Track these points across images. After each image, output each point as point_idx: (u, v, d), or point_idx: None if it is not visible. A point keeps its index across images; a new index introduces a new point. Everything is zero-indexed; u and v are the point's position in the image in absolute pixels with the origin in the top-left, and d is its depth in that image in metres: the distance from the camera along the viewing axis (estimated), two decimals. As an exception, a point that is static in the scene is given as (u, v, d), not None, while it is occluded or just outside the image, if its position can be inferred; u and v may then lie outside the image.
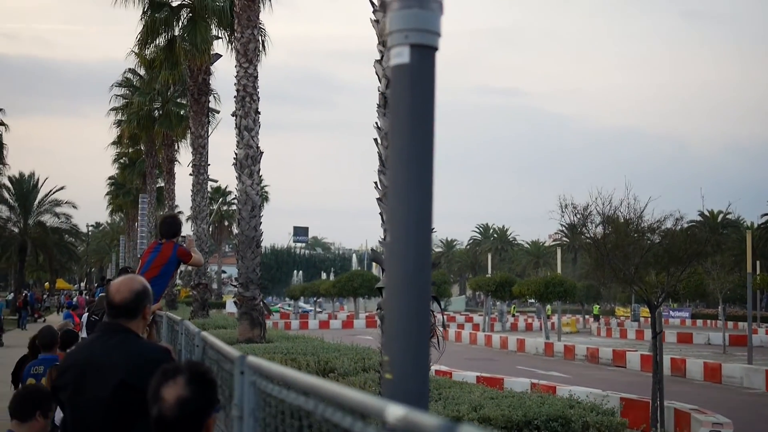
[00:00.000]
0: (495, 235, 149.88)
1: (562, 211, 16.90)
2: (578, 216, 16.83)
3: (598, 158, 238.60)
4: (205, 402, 2.97)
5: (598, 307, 77.92)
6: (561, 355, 38.89)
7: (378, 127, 9.84)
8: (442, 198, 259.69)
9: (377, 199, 9.82)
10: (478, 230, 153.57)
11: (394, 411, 1.87)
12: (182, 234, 11.54)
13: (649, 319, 71.31)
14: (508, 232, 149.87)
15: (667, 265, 17.09)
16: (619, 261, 16.60)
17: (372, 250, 11.13)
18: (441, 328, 10.14)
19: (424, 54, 2.97)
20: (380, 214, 9.80)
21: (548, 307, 54.80)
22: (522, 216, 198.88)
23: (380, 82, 9.84)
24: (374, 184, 9.87)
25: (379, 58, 9.92)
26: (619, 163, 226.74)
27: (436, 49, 3.00)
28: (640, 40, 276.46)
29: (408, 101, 2.99)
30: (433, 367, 24.33)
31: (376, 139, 9.88)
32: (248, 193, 20.18)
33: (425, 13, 2.92)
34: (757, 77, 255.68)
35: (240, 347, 16.88)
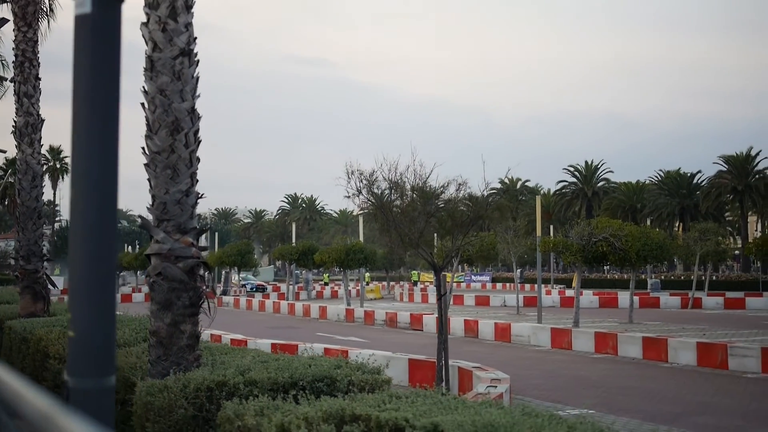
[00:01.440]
0: (304, 205, 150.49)
1: (348, 178, 17.06)
2: (364, 182, 17.03)
3: (406, 128, 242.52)
4: None
5: (416, 273, 79.70)
6: (362, 320, 39.53)
7: (145, 91, 9.64)
8: (252, 168, 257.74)
9: (144, 164, 9.65)
10: (286, 200, 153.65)
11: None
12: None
13: (460, 284, 73.48)
14: (317, 202, 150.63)
15: (450, 229, 17.57)
16: (404, 226, 16.93)
17: (140, 217, 10.94)
18: (216, 296, 10.10)
19: (108, 4, 2.89)
20: (148, 180, 9.65)
21: (367, 274, 55.45)
22: (332, 186, 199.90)
23: (147, 45, 9.65)
24: (142, 150, 9.68)
25: (145, 20, 9.70)
26: (426, 132, 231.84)
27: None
28: (446, 13, 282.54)
29: (89, 53, 2.90)
30: (228, 336, 24.26)
31: (143, 104, 9.68)
32: (28, 162, 19.38)
33: (108, -41, 2.87)
34: (559, 50, 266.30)
35: (20, 322, 16.28)
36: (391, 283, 79.42)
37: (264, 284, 75.55)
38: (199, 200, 9.70)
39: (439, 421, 6.01)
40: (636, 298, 41.87)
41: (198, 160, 9.68)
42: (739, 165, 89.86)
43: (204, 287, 9.64)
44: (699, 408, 16.17)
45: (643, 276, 65.97)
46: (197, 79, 9.66)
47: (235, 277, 70.81)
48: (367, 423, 6.34)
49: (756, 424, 14.73)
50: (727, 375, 20.98)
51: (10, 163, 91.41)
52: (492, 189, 21.18)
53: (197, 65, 9.69)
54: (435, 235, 20.73)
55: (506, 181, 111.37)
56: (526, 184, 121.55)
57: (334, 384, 8.51)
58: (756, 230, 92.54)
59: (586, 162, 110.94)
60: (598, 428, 6.14)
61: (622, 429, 13.63)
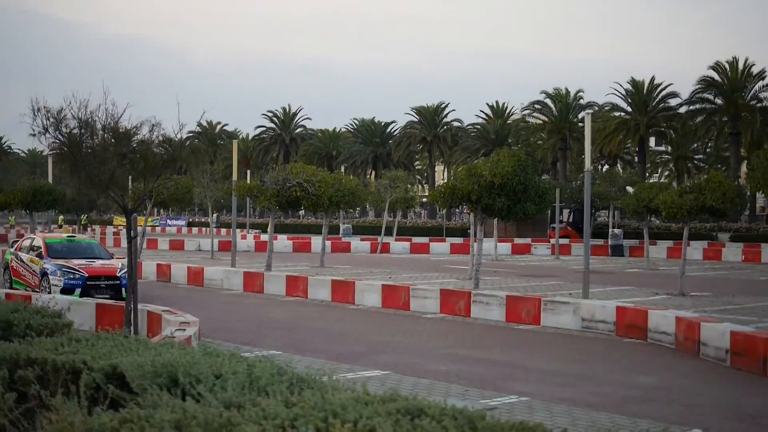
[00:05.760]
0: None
1: (35, 115, 16.21)
2: (51, 120, 16.27)
3: (103, 68, 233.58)
4: None
5: (86, 216, 77.47)
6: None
7: None
8: None
9: None
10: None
11: None
12: None
13: (154, 228, 71.89)
14: (3, 141, 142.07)
15: (143, 171, 17.24)
16: (94, 167, 16.39)
17: None
18: None
19: None
20: None
21: (61, 217, 53.08)
22: (19, 124, 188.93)
23: None
24: None
25: None
26: (125, 73, 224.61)
27: None
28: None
29: None
30: None
31: None
32: None
33: None
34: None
35: None
36: (92, 227, 76.82)
37: None
38: None
39: (118, 363, 6.00)
40: (328, 243, 43.13)
41: None
42: (429, 116, 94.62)
43: None
44: (380, 347, 17.06)
45: (336, 221, 67.97)
46: None
47: None
48: (43, 366, 6.21)
49: (430, 359, 15.72)
50: (409, 315, 22.18)
51: None
52: (190, 132, 21.04)
53: None
54: (129, 177, 20.23)
55: (204, 124, 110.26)
56: (225, 128, 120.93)
57: (11, 328, 8.24)
58: (443, 179, 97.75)
59: (284, 108, 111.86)
60: (276, 365, 6.40)
61: (305, 368, 14.11)
